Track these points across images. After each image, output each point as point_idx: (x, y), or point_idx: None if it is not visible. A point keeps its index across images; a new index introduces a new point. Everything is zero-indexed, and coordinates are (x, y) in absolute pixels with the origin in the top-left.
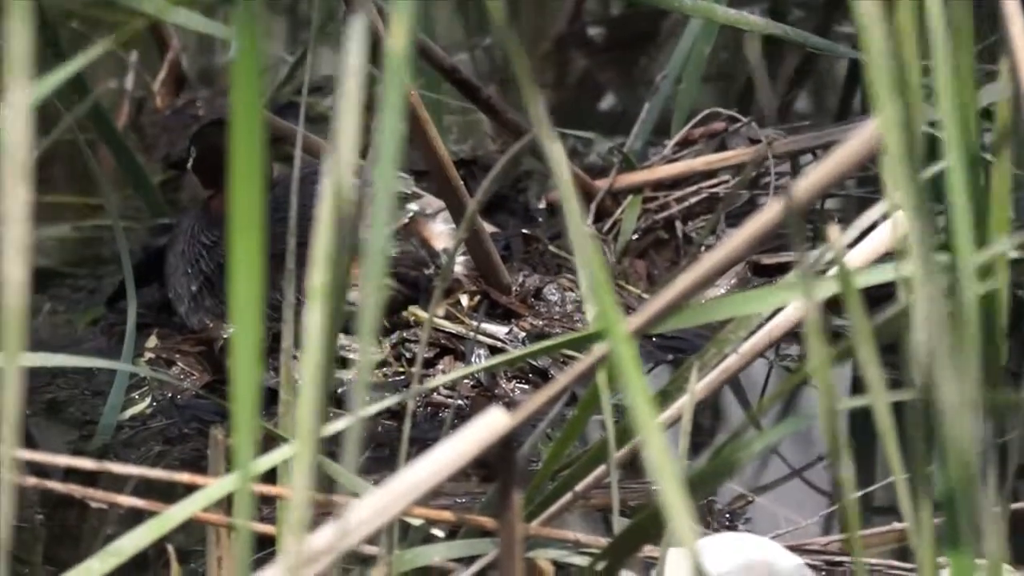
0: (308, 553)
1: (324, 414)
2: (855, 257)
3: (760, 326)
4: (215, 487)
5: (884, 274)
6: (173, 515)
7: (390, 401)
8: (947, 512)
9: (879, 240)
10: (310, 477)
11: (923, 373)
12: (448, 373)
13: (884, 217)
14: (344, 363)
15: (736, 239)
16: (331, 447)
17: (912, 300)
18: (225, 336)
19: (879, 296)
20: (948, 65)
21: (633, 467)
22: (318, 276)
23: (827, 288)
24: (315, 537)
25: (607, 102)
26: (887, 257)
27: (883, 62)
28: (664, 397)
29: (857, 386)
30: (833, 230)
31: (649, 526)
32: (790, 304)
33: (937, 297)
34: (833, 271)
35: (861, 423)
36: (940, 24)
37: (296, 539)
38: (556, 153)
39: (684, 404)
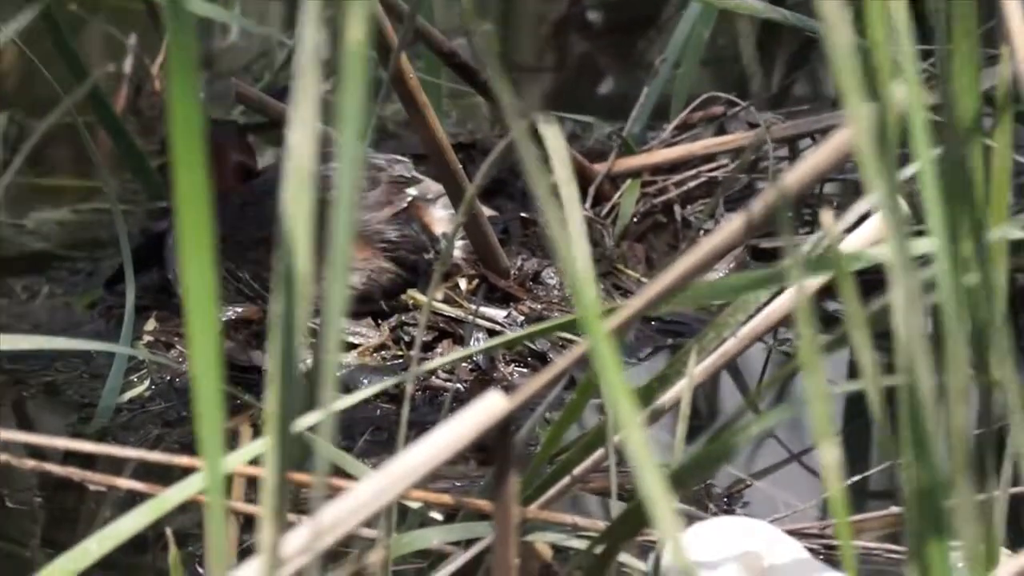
0: (304, 537)
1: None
2: (852, 243)
3: (759, 310)
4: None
5: (868, 260)
6: (170, 497)
7: (388, 383)
8: (928, 499)
9: (875, 226)
10: (282, 463)
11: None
12: (446, 356)
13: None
14: (344, 347)
15: (734, 223)
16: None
17: (895, 286)
18: (223, 318)
19: (876, 281)
20: (951, 49)
21: None
22: (280, 263)
23: (818, 275)
24: (312, 520)
25: (606, 86)
26: (883, 242)
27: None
28: (663, 381)
29: (855, 369)
30: (827, 216)
31: (647, 510)
32: (788, 289)
33: (915, 284)
34: (825, 256)
35: (860, 407)
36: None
37: (272, 524)
38: (553, 138)
39: (682, 388)
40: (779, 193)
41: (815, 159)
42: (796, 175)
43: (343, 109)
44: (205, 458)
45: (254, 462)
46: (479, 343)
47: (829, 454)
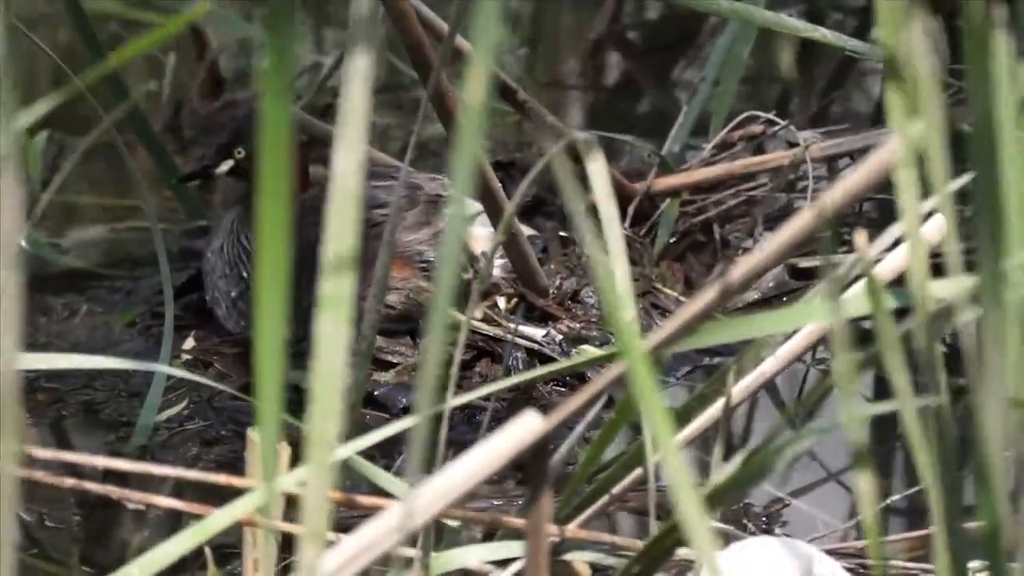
0: (345, 555)
1: (356, 417)
2: (888, 264)
3: (796, 330)
4: (255, 493)
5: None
6: (213, 522)
7: (431, 409)
8: (983, 520)
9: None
10: (327, 485)
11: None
12: (485, 375)
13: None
14: (382, 365)
15: (773, 243)
16: (370, 449)
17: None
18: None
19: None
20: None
21: None
22: (328, 285)
23: (856, 305)
24: (352, 539)
25: (645, 104)
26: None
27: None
28: (701, 400)
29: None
30: (861, 237)
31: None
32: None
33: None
34: (862, 282)
35: (894, 427)
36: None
37: (314, 544)
38: (593, 157)
39: (721, 408)
40: (819, 212)
41: (855, 178)
42: (835, 194)
43: (457, 164)
44: (262, 480)
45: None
46: (518, 362)
47: (865, 480)
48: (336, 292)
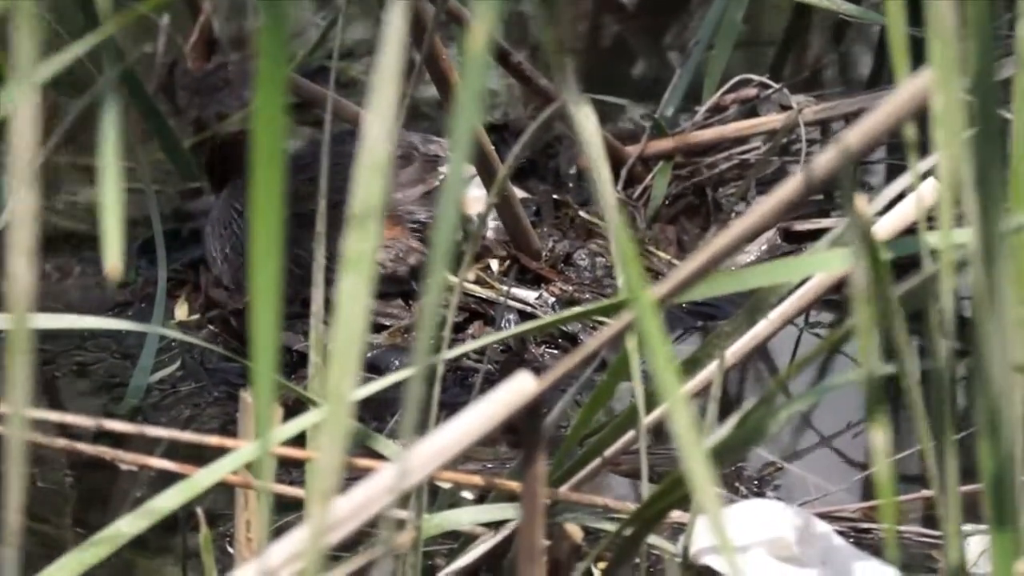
0: (335, 517)
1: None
2: (884, 225)
3: (790, 293)
4: (243, 451)
5: (914, 245)
6: (202, 479)
7: (421, 366)
8: (988, 484)
9: (909, 208)
10: (342, 444)
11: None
12: (477, 337)
13: (913, 185)
14: (374, 327)
15: (766, 205)
16: (361, 412)
17: (943, 268)
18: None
19: (907, 263)
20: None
21: (662, 433)
22: (354, 241)
23: (860, 257)
24: (343, 500)
25: (639, 68)
26: (915, 226)
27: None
28: (694, 364)
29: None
30: (860, 199)
31: (677, 492)
32: (819, 272)
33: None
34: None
35: (888, 390)
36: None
37: (323, 505)
38: (586, 119)
39: (714, 371)
40: (842, 151)
41: (871, 121)
42: (856, 134)
43: (455, 124)
44: (257, 439)
45: (288, 442)
46: (510, 324)
47: (879, 438)
48: (359, 252)
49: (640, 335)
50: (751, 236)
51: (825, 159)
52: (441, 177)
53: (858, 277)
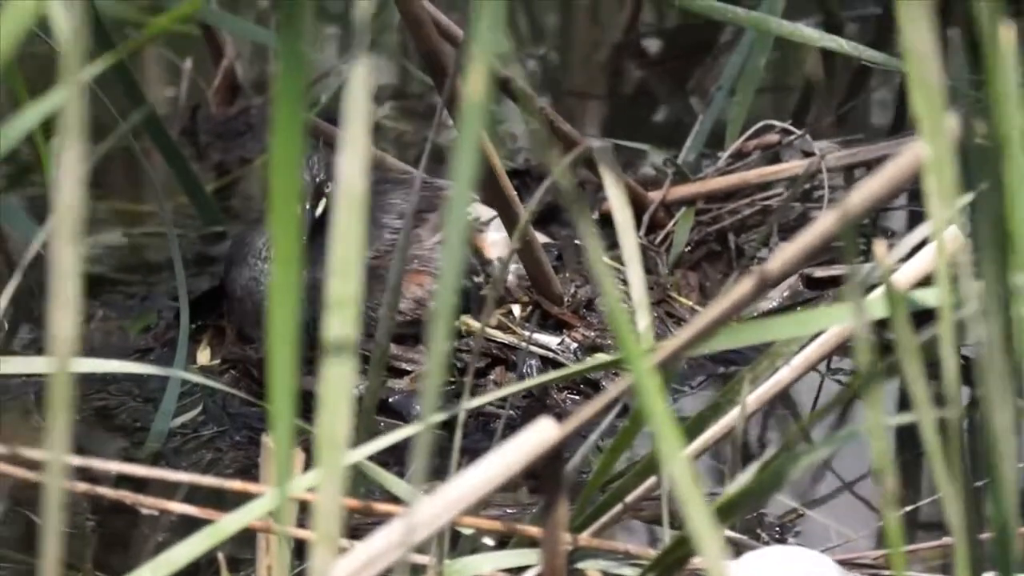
0: (357, 562)
1: (370, 424)
2: (904, 274)
3: (812, 339)
4: (266, 498)
5: (930, 298)
6: (226, 526)
7: (442, 415)
8: (997, 531)
9: (928, 257)
10: (340, 490)
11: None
12: (499, 382)
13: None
14: (396, 373)
15: (788, 252)
16: (384, 456)
17: (953, 320)
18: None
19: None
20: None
21: None
22: (336, 288)
23: (875, 309)
24: (365, 545)
25: (661, 113)
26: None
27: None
28: (715, 409)
29: (905, 400)
30: (880, 247)
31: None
32: (835, 325)
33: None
34: (880, 290)
35: (909, 438)
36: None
37: (327, 548)
38: (608, 165)
39: (735, 416)
40: (844, 214)
41: (877, 182)
42: (860, 196)
43: (459, 158)
44: (276, 486)
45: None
46: (532, 370)
47: (888, 484)
48: (343, 294)
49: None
50: (773, 283)
51: (846, 207)
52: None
53: (861, 332)
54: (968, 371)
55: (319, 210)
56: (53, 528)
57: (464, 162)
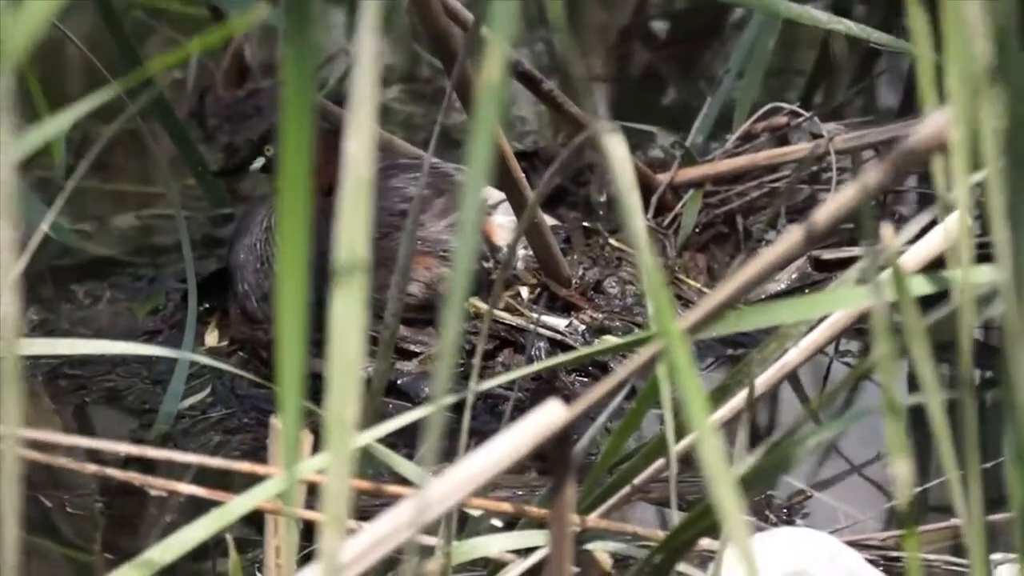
0: (365, 543)
1: (379, 406)
2: (913, 255)
3: (820, 321)
4: (274, 480)
5: (939, 282)
6: (234, 507)
7: (452, 397)
8: (1017, 512)
9: (937, 239)
10: (348, 472)
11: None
12: (508, 364)
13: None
14: (405, 355)
15: (796, 234)
16: (392, 438)
17: (965, 300)
18: None
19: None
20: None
21: (692, 460)
22: (343, 267)
23: (886, 292)
24: (374, 526)
25: (669, 96)
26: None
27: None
28: (724, 392)
29: (913, 382)
30: (887, 230)
31: (707, 520)
32: (843, 308)
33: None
34: (888, 273)
35: (917, 420)
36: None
37: (335, 530)
38: (616, 148)
39: (744, 399)
40: (861, 188)
41: (891, 161)
42: (877, 173)
43: (474, 143)
44: (285, 467)
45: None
46: (540, 352)
47: (901, 467)
48: (350, 274)
49: (669, 367)
50: (782, 265)
51: (845, 195)
52: None
53: (879, 313)
54: (978, 352)
55: (255, 165)
56: (10, 503)
57: (479, 148)
